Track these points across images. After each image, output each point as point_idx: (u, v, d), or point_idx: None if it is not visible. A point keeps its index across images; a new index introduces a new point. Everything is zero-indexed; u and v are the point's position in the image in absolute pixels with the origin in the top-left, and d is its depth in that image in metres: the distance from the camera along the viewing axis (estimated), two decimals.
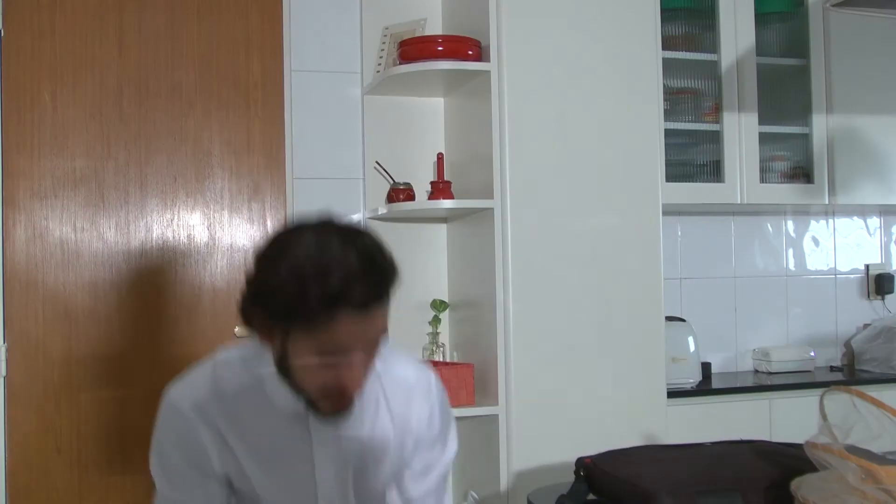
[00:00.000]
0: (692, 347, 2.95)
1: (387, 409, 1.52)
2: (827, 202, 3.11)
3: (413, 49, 2.72)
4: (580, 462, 1.37)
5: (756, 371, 3.30)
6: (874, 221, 3.58)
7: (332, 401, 1.38)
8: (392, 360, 1.54)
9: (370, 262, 1.31)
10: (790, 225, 3.45)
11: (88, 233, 2.78)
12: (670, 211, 3.07)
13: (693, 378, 2.95)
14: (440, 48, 2.69)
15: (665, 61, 2.82)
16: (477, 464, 2.68)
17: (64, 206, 2.76)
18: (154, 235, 2.83)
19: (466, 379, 2.60)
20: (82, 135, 2.78)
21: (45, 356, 2.72)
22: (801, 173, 3.12)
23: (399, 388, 1.53)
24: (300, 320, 1.30)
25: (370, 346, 1.37)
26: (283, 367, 1.38)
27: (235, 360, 1.51)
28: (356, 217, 3.00)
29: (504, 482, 2.55)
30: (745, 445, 1.46)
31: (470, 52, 2.68)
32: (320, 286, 1.27)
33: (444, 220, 3.00)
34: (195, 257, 2.86)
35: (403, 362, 1.58)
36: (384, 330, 1.38)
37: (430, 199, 2.80)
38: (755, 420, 2.86)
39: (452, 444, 1.61)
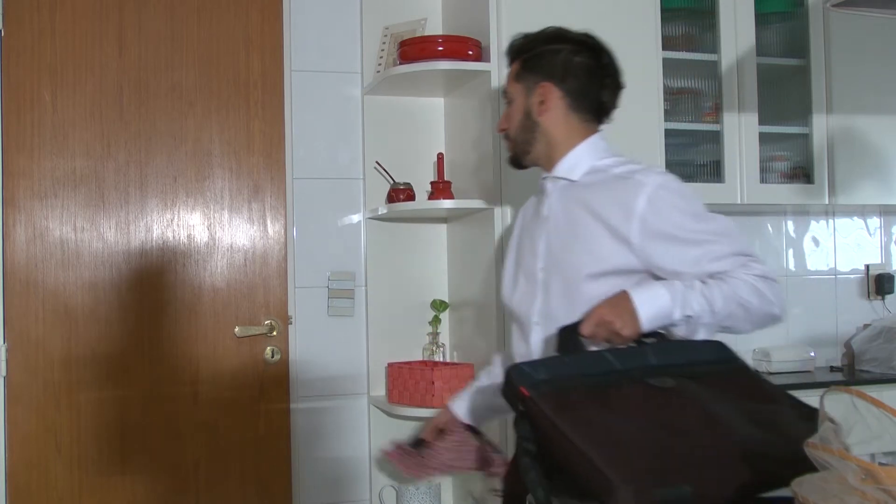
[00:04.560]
0: None
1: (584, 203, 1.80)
2: (827, 202, 3.10)
3: (413, 49, 2.72)
4: (517, 393, 1.09)
5: (756, 371, 3.29)
6: (874, 221, 3.58)
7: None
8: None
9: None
10: (790, 225, 3.45)
11: (88, 233, 2.78)
12: None
13: None
14: (440, 48, 2.69)
15: (665, 61, 2.82)
16: None
17: (64, 206, 2.76)
18: (154, 235, 2.83)
19: (466, 379, 2.59)
20: (82, 135, 2.78)
21: (45, 356, 2.72)
22: (801, 173, 3.11)
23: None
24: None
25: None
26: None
27: None
28: (356, 217, 3.00)
29: None
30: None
31: (470, 52, 2.68)
32: None
33: (444, 220, 3.00)
34: (195, 257, 2.86)
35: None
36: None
37: (430, 199, 2.80)
38: None
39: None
